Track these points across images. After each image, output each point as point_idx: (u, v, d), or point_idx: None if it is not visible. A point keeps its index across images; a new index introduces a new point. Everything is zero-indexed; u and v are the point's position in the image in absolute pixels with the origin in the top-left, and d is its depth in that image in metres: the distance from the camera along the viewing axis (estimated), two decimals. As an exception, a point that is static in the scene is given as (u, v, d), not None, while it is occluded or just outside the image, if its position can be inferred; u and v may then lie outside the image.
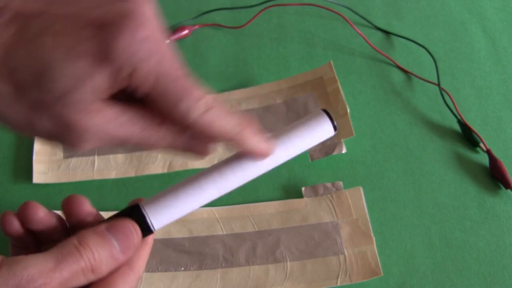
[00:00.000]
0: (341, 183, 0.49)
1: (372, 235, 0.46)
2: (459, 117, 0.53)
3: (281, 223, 0.48)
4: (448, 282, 0.44)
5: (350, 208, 0.48)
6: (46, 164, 0.52)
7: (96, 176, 0.51)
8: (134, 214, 0.27)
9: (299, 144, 0.29)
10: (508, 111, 0.55)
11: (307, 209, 0.48)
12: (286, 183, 0.51)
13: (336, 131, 0.30)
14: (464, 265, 0.45)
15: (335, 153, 0.50)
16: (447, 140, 0.53)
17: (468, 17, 0.63)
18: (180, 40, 0.62)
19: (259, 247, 0.46)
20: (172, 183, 0.28)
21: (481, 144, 0.51)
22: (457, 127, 0.53)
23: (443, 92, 0.55)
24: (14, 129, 0.25)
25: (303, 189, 0.49)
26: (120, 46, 0.22)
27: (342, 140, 0.51)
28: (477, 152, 0.52)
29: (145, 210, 0.27)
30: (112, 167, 0.52)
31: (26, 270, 0.22)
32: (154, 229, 0.27)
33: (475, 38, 0.61)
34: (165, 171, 0.51)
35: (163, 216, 0.27)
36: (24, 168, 0.52)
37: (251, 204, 0.49)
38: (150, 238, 0.28)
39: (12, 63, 0.22)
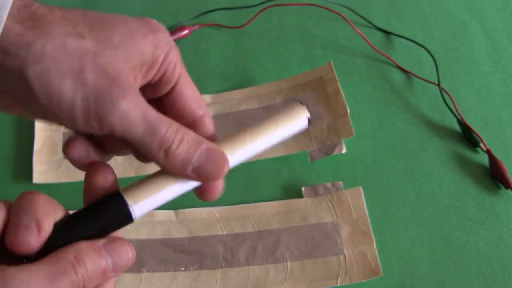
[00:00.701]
0: (341, 183, 0.49)
1: (372, 235, 0.46)
2: (459, 117, 0.53)
3: (281, 223, 0.48)
4: (448, 282, 0.44)
5: (350, 208, 0.48)
6: (46, 164, 0.52)
7: (96, 176, 0.51)
8: (115, 202, 0.27)
9: (270, 135, 0.29)
10: (508, 111, 0.55)
11: (307, 209, 0.48)
12: (286, 183, 0.51)
13: (310, 125, 0.30)
14: (464, 265, 0.45)
15: (335, 153, 0.50)
16: (447, 140, 0.53)
17: (468, 17, 0.63)
18: (180, 40, 0.62)
19: (259, 247, 0.46)
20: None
21: (481, 144, 0.51)
22: (457, 127, 0.53)
23: (443, 92, 0.55)
24: (53, 87, 0.24)
25: (303, 189, 0.49)
26: (161, 32, 0.28)
27: (342, 140, 0.51)
28: (477, 152, 0.52)
29: (127, 199, 0.27)
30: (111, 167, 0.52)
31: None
32: (135, 217, 0.27)
33: (475, 38, 0.61)
34: (165, 171, 0.51)
35: (143, 205, 0.27)
36: (24, 168, 0.52)
37: (251, 204, 0.49)
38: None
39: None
